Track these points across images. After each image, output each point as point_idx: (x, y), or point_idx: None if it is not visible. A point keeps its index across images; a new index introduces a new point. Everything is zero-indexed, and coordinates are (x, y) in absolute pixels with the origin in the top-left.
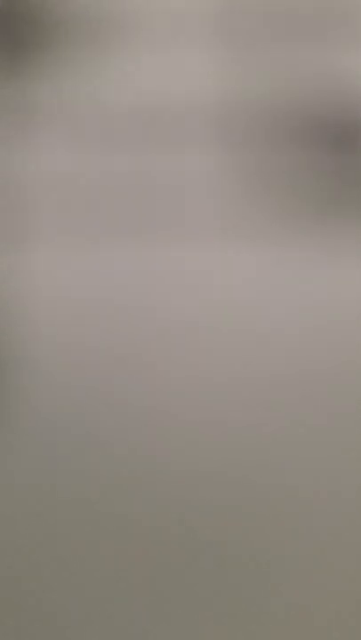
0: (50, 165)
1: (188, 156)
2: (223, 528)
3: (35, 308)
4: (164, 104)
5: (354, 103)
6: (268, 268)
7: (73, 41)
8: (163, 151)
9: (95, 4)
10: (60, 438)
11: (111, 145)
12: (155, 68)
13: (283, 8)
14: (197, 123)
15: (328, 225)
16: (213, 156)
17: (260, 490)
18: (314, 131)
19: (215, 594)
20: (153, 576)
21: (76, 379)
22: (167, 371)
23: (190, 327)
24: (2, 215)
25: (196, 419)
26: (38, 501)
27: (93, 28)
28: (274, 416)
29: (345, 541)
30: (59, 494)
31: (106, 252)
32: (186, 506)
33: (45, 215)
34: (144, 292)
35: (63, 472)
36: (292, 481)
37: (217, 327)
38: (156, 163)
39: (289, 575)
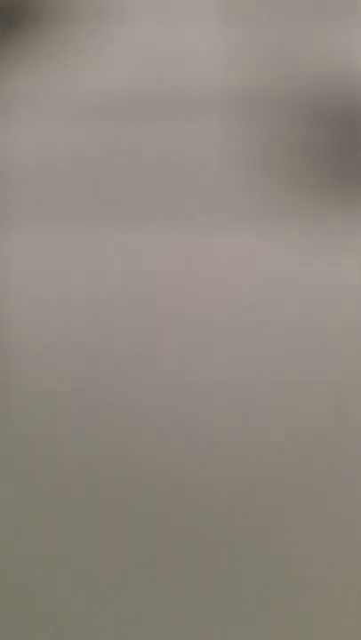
0: (41, 143)
1: (189, 138)
2: (225, 517)
3: (26, 297)
4: (168, 86)
5: (358, 86)
6: (269, 250)
7: (73, 18)
8: (164, 131)
9: None
10: (53, 434)
11: (112, 127)
12: (158, 50)
13: None
14: (201, 106)
15: (331, 207)
16: (217, 139)
17: (262, 479)
18: (318, 113)
19: (214, 589)
20: (152, 571)
21: (66, 369)
22: (167, 359)
23: (190, 313)
24: None
25: (196, 407)
26: (36, 498)
27: (97, 5)
28: (274, 401)
29: (348, 528)
30: (55, 491)
31: (103, 237)
32: (187, 497)
33: (40, 200)
34: (139, 275)
35: (56, 469)
36: (294, 469)
37: (218, 312)
38: (158, 145)
39: (289, 566)
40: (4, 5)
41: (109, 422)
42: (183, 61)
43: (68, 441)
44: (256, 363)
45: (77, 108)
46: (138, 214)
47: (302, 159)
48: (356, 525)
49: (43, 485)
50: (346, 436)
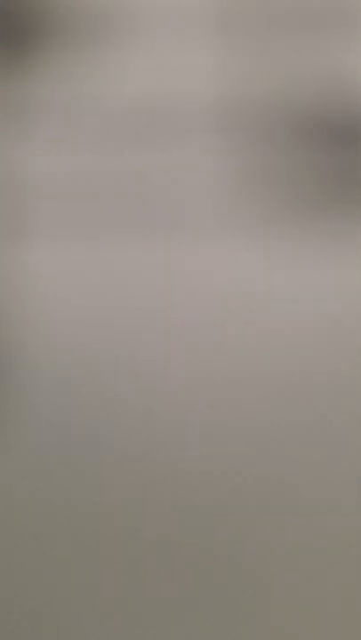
0: (48, 163)
1: (186, 154)
2: (224, 528)
3: (33, 306)
4: (163, 101)
5: (354, 101)
6: (266, 265)
7: (71, 38)
8: (162, 149)
9: (94, 1)
10: (59, 438)
11: (110, 142)
12: (153, 65)
13: (283, 5)
14: (196, 120)
15: (327, 222)
16: (212, 153)
17: (263, 489)
18: (313, 128)
19: (213, 597)
20: (152, 579)
21: (75, 377)
22: (167, 368)
23: (190, 324)
24: (0, 213)
25: (197, 416)
26: (37, 502)
27: (92, 24)
28: (274, 412)
29: (346, 538)
30: (58, 495)
31: (104, 250)
32: (186, 505)
33: (43, 213)
34: (143, 290)
35: (62, 473)
36: (294, 477)
37: (216, 324)
38: (155, 160)
39: (289, 576)
40: (16, 21)
41: (112, 431)
42: (180, 77)
43: (76, 452)
44: (256, 373)
45: (94, 124)
46: (138, 228)
47: (301, 175)
48: (356, 523)
49: (48, 490)
50: (348, 444)
